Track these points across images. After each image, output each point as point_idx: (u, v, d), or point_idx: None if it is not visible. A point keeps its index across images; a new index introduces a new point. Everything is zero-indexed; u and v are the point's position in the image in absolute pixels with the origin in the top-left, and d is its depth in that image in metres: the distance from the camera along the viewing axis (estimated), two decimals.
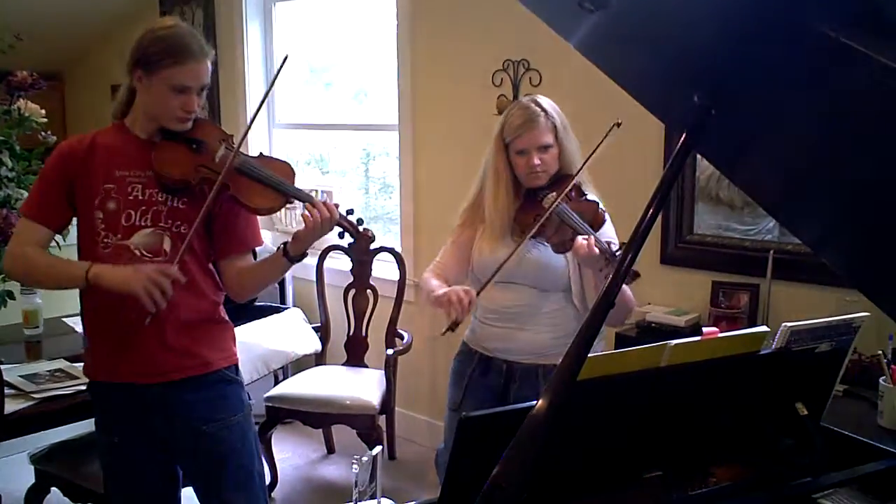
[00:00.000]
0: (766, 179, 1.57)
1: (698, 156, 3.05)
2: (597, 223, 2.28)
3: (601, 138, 2.21)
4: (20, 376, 2.85)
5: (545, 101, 2.38)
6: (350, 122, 4.79)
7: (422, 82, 4.15)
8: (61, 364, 3.01)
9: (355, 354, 4.13)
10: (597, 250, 2.15)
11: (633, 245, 1.27)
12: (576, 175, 2.32)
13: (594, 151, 2.23)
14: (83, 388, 2.81)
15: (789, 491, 1.58)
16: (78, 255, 2.17)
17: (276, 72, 2.16)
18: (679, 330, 3.05)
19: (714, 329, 1.52)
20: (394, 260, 4.10)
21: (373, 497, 1.57)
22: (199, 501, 2.29)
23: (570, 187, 2.28)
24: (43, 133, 3.08)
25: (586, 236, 2.18)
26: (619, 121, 2.17)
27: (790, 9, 0.98)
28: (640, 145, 3.30)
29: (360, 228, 2.18)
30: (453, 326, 2.17)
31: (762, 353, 1.56)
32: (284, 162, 2.25)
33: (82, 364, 2.96)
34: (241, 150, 2.14)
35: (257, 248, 2.33)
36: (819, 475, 1.60)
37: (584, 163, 2.28)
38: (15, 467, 3.20)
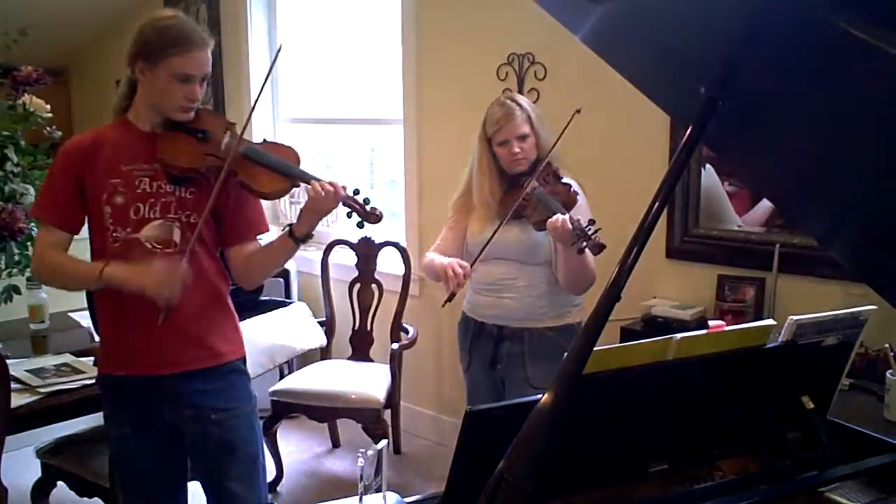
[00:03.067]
0: (773, 172, 1.57)
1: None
2: (569, 203, 2.55)
3: (564, 126, 2.53)
4: (26, 371, 2.86)
5: (519, 97, 2.78)
6: (355, 117, 4.79)
7: (426, 76, 4.14)
8: (67, 358, 3.02)
9: (360, 349, 4.14)
10: (569, 226, 2.40)
11: (640, 238, 1.26)
12: (547, 154, 2.65)
13: (559, 138, 2.59)
14: (89, 382, 2.82)
15: (795, 484, 1.58)
16: (90, 250, 2.19)
17: (271, 62, 2.20)
18: (685, 323, 3.05)
19: (720, 322, 1.53)
20: (399, 254, 4.10)
21: (378, 491, 1.57)
22: (205, 491, 2.31)
23: (545, 172, 2.63)
24: (48, 128, 3.08)
25: (559, 215, 2.44)
26: (580, 108, 2.50)
27: (801, 0, 0.98)
28: (646, 138, 3.29)
29: (368, 207, 2.18)
30: (451, 297, 2.54)
31: (768, 346, 1.55)
32: (289, 146, 2.26)
33: (92, 358, 3.00)
34: (245, 137, 2.16)
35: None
36: (825, 468, 1.60)
37: (552, 147, 2.64)
38: (21, 461, 3.21)
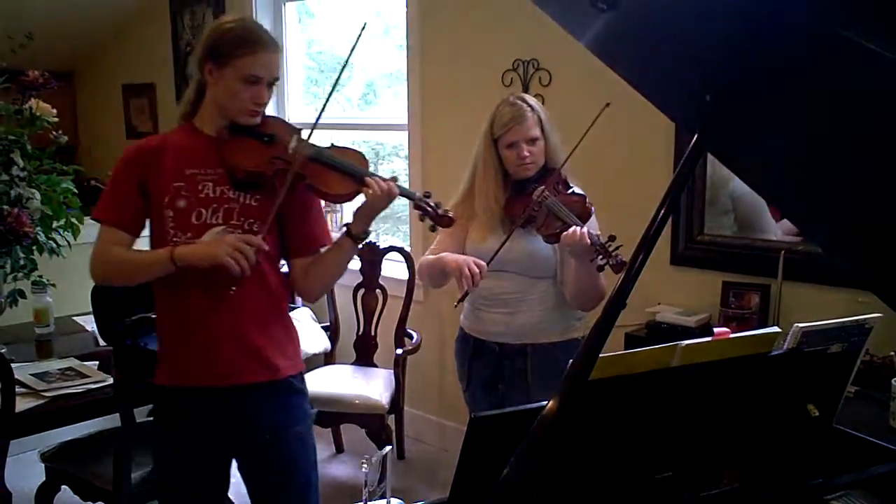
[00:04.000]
0: (777, 179, 1.57)
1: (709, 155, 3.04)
2: (585, 215, 2.41)
3: (591, 123, 2.35)
4: (31, 375, 2.87)
5: (530, 98, 2.60)
6: (360, 122, 4.80)
7: (432, 82, 4.15)
8: (72, 362, 3.03)
9: (364, 354, 4.14)
10: (588, 241, 2.27)
11: (645, 246, 1.26)
12: (563, 163, 2.50)
13: (586, 133, 2.37)
14: (94, 386, 2.83)
15: (800, 492, 1.57)
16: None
17: (354, 41, 2.15)
18: (689, 330, 3.04)
19: (725, 329, 1.52)
20: (403, 260, 4.10)
21: (382, 497, 1.58)
22: None
23: (555, 180, 2.47)
24: (54, 132, 3.09)
25: (576, 227, 2.31)
26: (609, 102, 2.32)
27: (802, 8, 0.98)
28: (650, 144, 3.29)
29: (440, 210, 2.18)
30: (465, 296, 2.41)
31: (773, 353, 1.55)
32: (357, 150, 2.23)
33: (96, 362, 3.01)
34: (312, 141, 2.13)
35: None
36: (830, 477, 1.60)
37: (577, 144, 2.41)
38: (25, 465, 3.21)
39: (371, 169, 2.19)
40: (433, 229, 2.22)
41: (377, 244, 4.13)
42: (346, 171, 2.12)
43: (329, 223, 4.74)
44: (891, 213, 1.33)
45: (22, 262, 2.95)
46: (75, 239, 3.11)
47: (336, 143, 2.22)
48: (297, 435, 2.21)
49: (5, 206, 2.81)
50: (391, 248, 4.12)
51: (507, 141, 2.51)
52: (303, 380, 2.27)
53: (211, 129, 2.13)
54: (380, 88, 4.72)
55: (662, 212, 1.27)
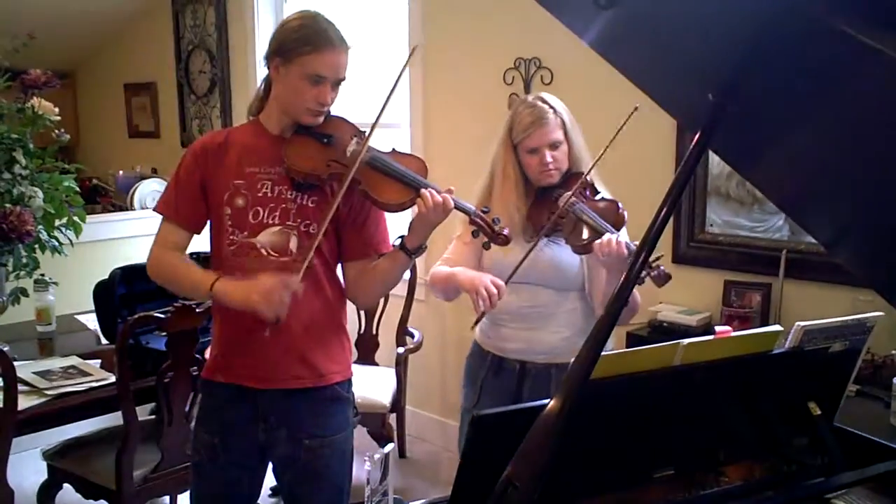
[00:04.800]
0: (780, 178, 1.57)
1: (710, 153, 3.04)
2: (619, 223, 2.23)
3: (618, 127, 2.18)
4: (33, 373, 2.87)
5: (551, 99, 2.37)
6: (360, 121, 4.79)
7: (433, 80, 4.15)
8: (74, 361, 3.03)
9: (366, 353, 4.13)
10: (625, 251, 2.10)
11: (647, 245, 1.26)
12: (591, 167, 2.29)
13: (613, 138, 2.18)
14: (96, 384, 2.83)
15: (802, 491, 1.58)
16: (210, 252, 2.16)
17: (404, 64, 2.06)
18: (691, 329, 3.04)
19: (727, 328, 1.52)
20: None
21: (384, 495, 1.58)
22: None
23: (584, 184, 2.28)
24: (56, 131, 3.09)
25: (609, 235, 2.14)
26: (637, 105, 2.09)
27: (806, 5, 0.98)
28: (652, 143, 3.29)
29: (496, 228, 2.08)
30: (480, 318, 2.20)
31: (775, 352, 1.55)
32: (416, 157, 2.17)
33: (98, 361, 3.01)
34: (373, 146, 2.08)
35: None
36: (832, 475, 1.60)
37: (604, 150, 2.23)
38: (27, 464, 3.22)
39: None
40: (487, 247, 2.10)
41: None
42: (402, 179, 2.04)
43: None
44: (893, 211, 1.33)
45: (24, 261, 2.95)
46: (77, 237, 3.11)
47: (397, 149, 2.16)
48: (335, 443, 2.17)
49: (7, 205, 2.81)
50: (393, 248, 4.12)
51: (527, 146, 2.31)
52: (350, 387, 2.22)
53: (275, 127, 2.11)
54: (381, 87, 4.71)
55: (664, 211, 1.27)
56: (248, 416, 2.13)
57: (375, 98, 4.60)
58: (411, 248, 2.06)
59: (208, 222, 2.14)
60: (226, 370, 2.15)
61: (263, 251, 2.05)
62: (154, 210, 2.17)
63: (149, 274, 2.15)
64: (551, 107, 2.32)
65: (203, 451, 2.20)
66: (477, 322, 2.23)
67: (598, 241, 2.14)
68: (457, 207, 2.05)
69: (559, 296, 2.37)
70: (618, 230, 2.19)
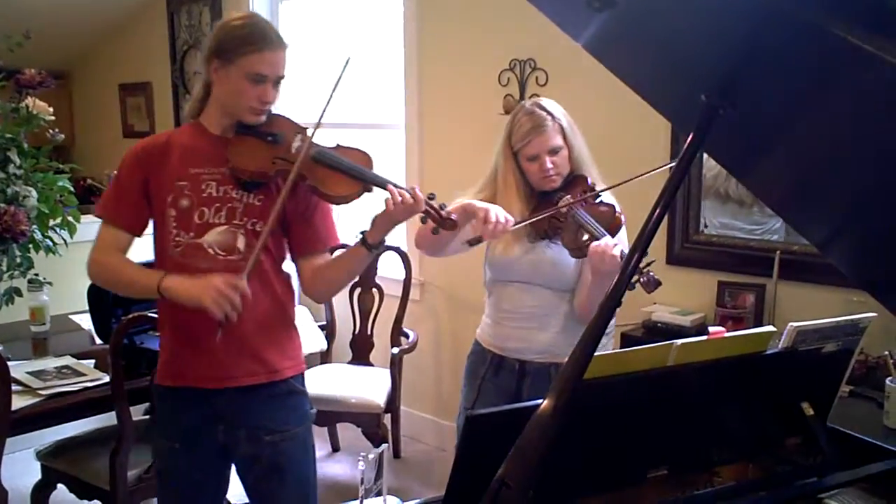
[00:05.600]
0: (774, 179, 1.57)
1: (705, 155, 3.05)
2: (615, 227, 2.25)
3: (645, 170, 2.25)
4: (27, 373, 2.87)
5: (549, 104, 2.38)
6: (356, 122, 4.79)
7: (428, 82, 4.15)
8: (68, 361, 3.03)
9: (361, 353, 4.14)
10: (618, 255, 2.12)
11: (638, 249, 1.27)
12: (606, 189, 2.33)
13: (632, 179, 2.24)
14: (90, 384, 2.83)
15: (795, 491, 1.58)
16: (154, 254, 2.15)
17: (339, 74, 2.06)
18: (685, 330, 3.05)
19: (720, 329, 1.52)
20: (399, 259, 4.10)
21: (378, 495, 1.58)
22: None
23: (581, 189, 2.32)
24: (51, 131, 3.08)
25: (605, 240, 2.16)
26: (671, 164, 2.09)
27: (800, 9, 0.98)
28: (647, 144, 3.30)
29: (443, 213, 2.09)
30: (476, 242, 2.21)
31: (768, 353, 1.56)
32: (361, 150, 2.18)
33: (92, 361, 3.01)
34: (317, 141, 2.10)
35: None
36: (825, 475, 1.60)
37: (623, 182, 2.28)
38: (21, 464, 3.21)
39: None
40: (436, 232, 2.13)
41: None
42: (349, 172, 2.08)
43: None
44: (887, 213, 1.34)
45: (18, 261, 2.95)
46: (72, 237, 3.11)
47: (342, 144, 2.18)
48: (296, 436, 2.19)
49: (2, 205, 2.81)
50: (387, 248, 4.12)
51: (527, 154, 2.33)
52: (303, 380, 2.25)
53: (217, 128, 2.12)
54: (376, 88, 4.71)
55: (658, 212, 1.27)
56: (205, 417, 2.14)
57: (367, 101, 4.62)
58: (372, 243, 2.08)
59: (149, 224, 2.14)
60: (178, 374, 2.16)
61: (211, 251, 2.06)
62: (94, 214, 2.17)
63: (91, 277, 2.15)
64: (549, 113, 2.33)
65: (165, 458, 2.22)
66: (473, 242, 2.21)
67: (592, 245, 2.16)
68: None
69: (558, 296, 2.40)
70: (613, 234, 2.21)
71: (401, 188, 2.05)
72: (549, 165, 2.31)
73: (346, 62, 2.06)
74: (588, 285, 2.31)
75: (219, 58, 2.03)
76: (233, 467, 2.27)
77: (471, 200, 2.30)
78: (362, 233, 2.11)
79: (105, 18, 5.97)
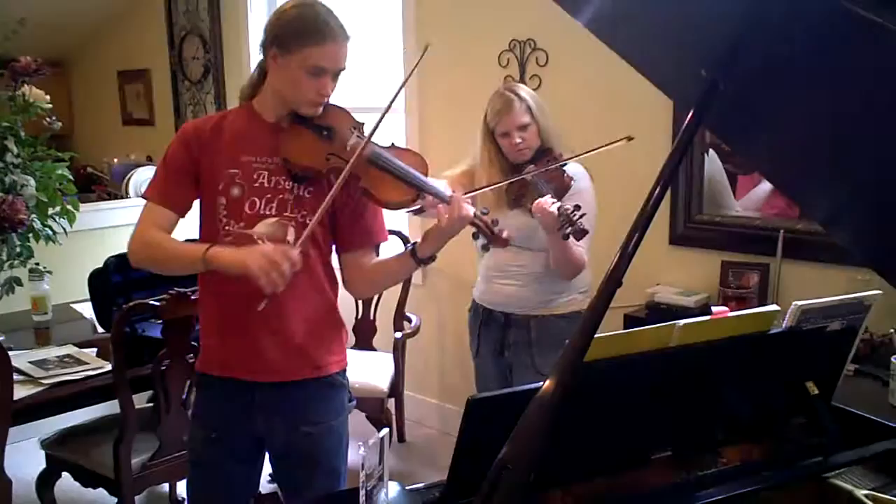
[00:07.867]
0: (777, 156, 1.55)
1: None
2: (562, 188, 2.56)
3: (608, 141, 2.43)
4: (29, 362, 2.87)
5: (518, 87, 2.79)
6: (355, 105, 4.77)
7: (428, 64, 4.09)
8: (70, 350, 3.03)
9: (364, 338, 4.13)
10: (552, 211, 2.41)
11: (641, 224, 1.25)
12: (572, 157, 2.61)
13: (592, 151, 2.46)
14: (92, 373, 2.83)
15: (800, 470, 1.57)
16: (199, 240, 2.10)
17: (416, 63, 2.05)
18: (688, 310, 3.04)
19: (724, 309, 1.51)
20: (402, 243, 4.09)
21: (381, 479, 1.57)
22: (283, 497, 2.24)
23: (545, 158, 2.66)
24: (48, 119, 3.07)
25: (547, 198, 2.46)
26: (633, 137, 2.38)
27: None
28: (648, 123, 3.27)
29: (496, 229, 2.07)
30: (420, 212, 2.41)
31: (772, 332, 1.54)
32: (417, 154, 2.14)
33: (94, 349, 3.01)
34: (373, 139, 2.03)
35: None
36: (830, 454, 1.60)
37: (581, 154, 2.55)
38: (26, 453, 3.22)
39: None
40: (486, 248, 2.14)
41: None
42: (402, 177, 2.02)
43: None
44: (893, 189, 1.32)
45: (18, 250, 2.94)
46: (71, 226, 3.10)
47: (396, 144, 2.13)
48: (333, 429, 2.15)
49: (0, 193, 2.80)
50: (389, 232, 4.09)
51: (500, 131, 2.70)
52: (345, 373, 2.20)
53: (271, 115, 2.05)
54: (375, 71, 4.68)
55: (658, 189, 1.25)
56: (246, 409, 2.11)
57: (366, 82, 4.59)
58: (422, 257, 2.03)
59: (195, 206, 2.10)
60: (222, 364, 2.12)
61: (260, 242, 1.99)
62: (142, 197, 2.12)
63: (130, 255, 2.07)
64: (516, 94, 2.71)
65: (201, 447, 2.18)
66: (417, 213, 2.43)
67: (534, 203, 2.48)
68: None
69: (532, 256, 2.75)
70: (560, 195, 2.51)
71: (454, 199, 1.99)
72: (518, 140, 2.68)
73: (425, 49, 2.04)
74: (548, 242, 2.63)
75: (277, 47, 1.96)
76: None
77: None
78: (413, 244, 2.05)
79: (102, 6, 5.94)
